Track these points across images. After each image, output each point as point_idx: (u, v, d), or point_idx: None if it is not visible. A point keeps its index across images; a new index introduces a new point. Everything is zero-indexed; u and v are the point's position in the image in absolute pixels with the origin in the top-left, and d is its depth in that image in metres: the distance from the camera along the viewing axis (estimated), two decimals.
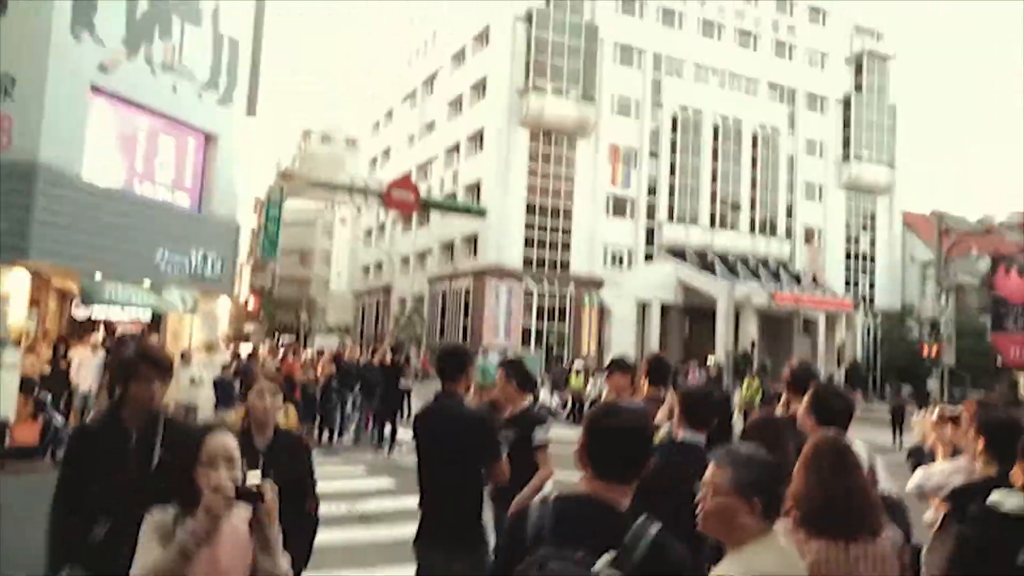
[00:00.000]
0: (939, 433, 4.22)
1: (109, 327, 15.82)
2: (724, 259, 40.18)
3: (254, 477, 2.25)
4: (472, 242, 40.31)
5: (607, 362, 5.83)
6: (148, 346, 3.23)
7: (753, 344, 35.05)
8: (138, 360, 3.07)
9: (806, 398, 4.10)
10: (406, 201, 29.23)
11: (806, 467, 2.61)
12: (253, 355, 17.78)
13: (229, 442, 2.34)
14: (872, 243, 47.74)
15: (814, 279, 41.95)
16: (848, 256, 47.07)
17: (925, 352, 26.89)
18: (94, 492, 2.90)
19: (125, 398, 3.07)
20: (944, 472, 3.84)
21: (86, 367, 12.55)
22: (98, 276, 12.55)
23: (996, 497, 2.70)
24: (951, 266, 35.14)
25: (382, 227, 53.01)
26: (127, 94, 13.37)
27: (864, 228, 47.82)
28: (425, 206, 32.66)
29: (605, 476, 2.07)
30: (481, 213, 35.23)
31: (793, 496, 2.59)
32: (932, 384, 26.01)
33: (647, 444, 2.14)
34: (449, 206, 38.35)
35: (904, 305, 44.66)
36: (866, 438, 5.42)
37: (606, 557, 1.84)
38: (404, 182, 31.09)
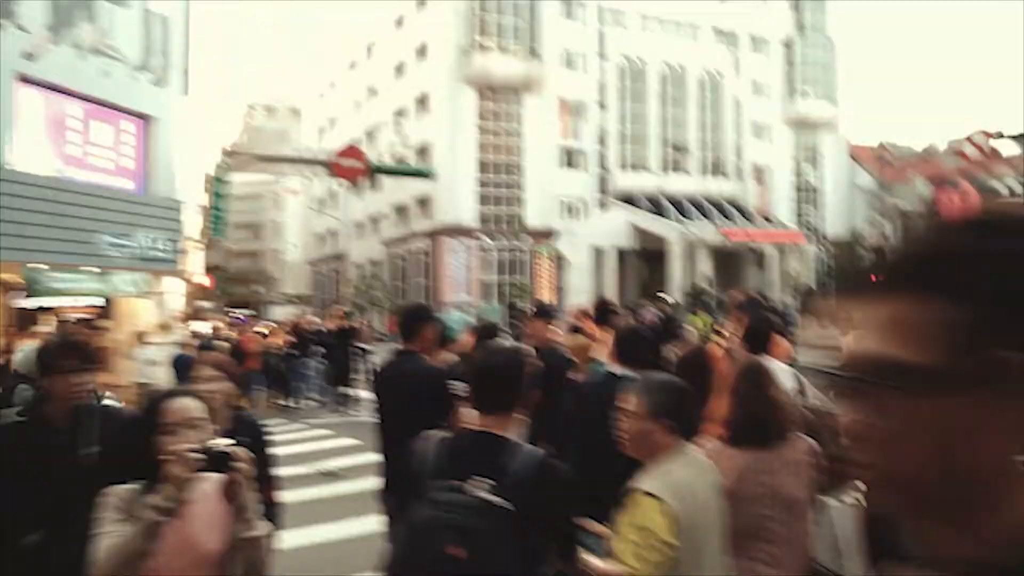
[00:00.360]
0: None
1: (60, 316, 15.61)
2: (676, 202, 40.74)
3: (222, 443, 2.08)
4: (426, 203, 40.18)
5: (563, 309, 6.09)
6: (71, 334, 2.97)
7: (710, 281, 35.83)
8: (58, 350, 2.78)
9: (740, 329, 4.39)
10: (355, 169, 28.85)
11: (731, 390, 2.88)
12: (216, 331, 17.76)
13: (191, 405, 2.18)
14: (820, 177, 48.70)
15: (765, 215, 42.77)
16: (798, 190, 48.02)
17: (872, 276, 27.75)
18: (17, 495, 2.59)
19: (48, 392, 2.76)
20: None
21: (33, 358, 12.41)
22: (41, 266, 12.40)
23: None
24: (894, 192, 36.16)
25: (333, 195, 52.44)
26: (56, 81, 13.03)
27: (811, 163, 48.71)
28: (374, 172, 32.32)
29: (488, 410, 2.26)
30: (430, 176, 35.01)
31: (721, 416, 2.85)
32: None
33: (519, 379, 2.30)
34: (398, 171, 38.02)
35: (854, 234, 45.92)
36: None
37: (488, 482, 2.04)
38: (351, 151, 30.61)
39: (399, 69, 44.12)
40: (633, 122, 42.42)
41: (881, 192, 37.04)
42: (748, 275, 38.82)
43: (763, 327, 4.00)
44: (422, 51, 41.31)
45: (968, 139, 27.58)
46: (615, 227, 38.34)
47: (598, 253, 37.69)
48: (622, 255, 38.36)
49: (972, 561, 0.62)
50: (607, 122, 41.86)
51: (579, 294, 31.01)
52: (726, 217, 40.82)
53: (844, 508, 3.11)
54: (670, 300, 24.27)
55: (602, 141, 41.76)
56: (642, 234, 38.16)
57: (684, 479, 2.33)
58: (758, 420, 2.75)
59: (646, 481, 2.28)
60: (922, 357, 0.61)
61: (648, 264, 39.06)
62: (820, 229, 46.79)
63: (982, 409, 0.60)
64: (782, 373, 3.61)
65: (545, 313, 5.60)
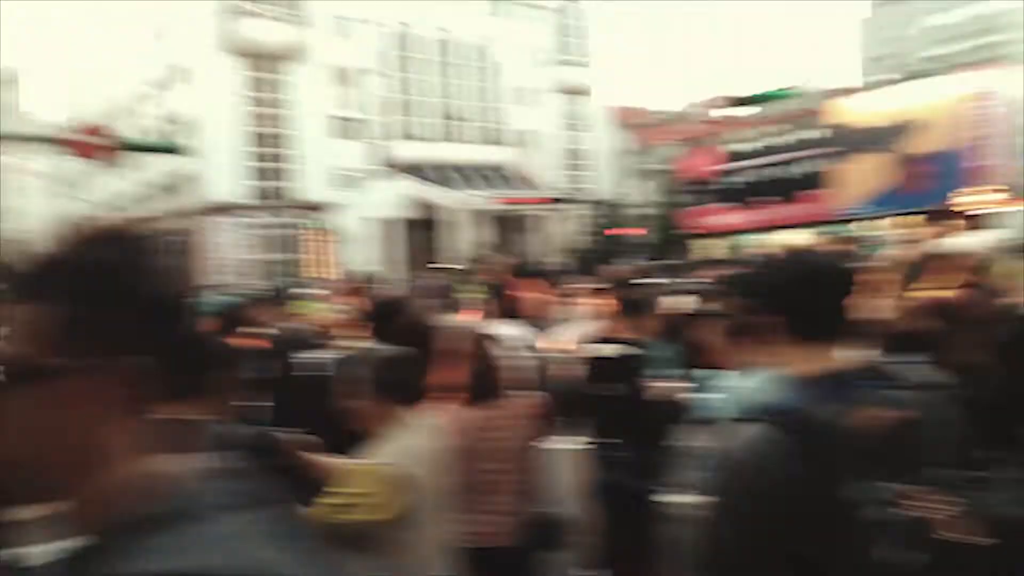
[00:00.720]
0: (591, 302, 4.98)
1: None
2: (454, 171, 41.40)
3: None
4: (190, 180, 37.48)
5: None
6: None
7: (491, 248, 36.85)
8: None
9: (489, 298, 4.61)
10: (100, 145, 26.02)
11: (461, 355, 3.04)
12: None
13: None
14: (587, 141, 51.56)
15: (535, 181, 44.67)
16: (567, 155, 50.54)
17: (612, 233, 29.91)
18: None
19: None
20: (590, 333, 4.56)
21: None
22: None
23: (600, 346, 3.35)
24: (651, 155, 39.19)
25: (80, 174, 47.35)
26: None
27: (578, 128, 51.42)
28: (123, 149, 29.46)
29: (182, 395, 2.22)
30: (187, 151, 32.46)
31: (454, 380, 2.99)
32: (626, 262, 29.04)
33: (213, 364, 2.27)
34: (152, 147, 34.85)
35: (618, 195, 49.38)
36: None
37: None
38: (92, 126, 27.51)
39: (155, 34, 40.40)
40: (408, 91, 42.31)
41: (639, 155, 39.96)
42: (526, 240, 40.46)
43: (504, 292, 4.24)
44: (177, 14, 38.13)
45: (708, 103, 30.38)
46: (395, 198, 38.21)
47: (379, 225, 37.46)
48: (403, 226, 38.41)
49: (92, 527, 0.73)
50: (382, 91, 41.35)
51: (361, 268, 30.69)
52: (503, 184, 42.15)
53: (565, 454, 3.43)
54: (453, 268, 24.74)
55: (378, 110, 41.24)
56: (422, 204, 38.40)
57: (409, 446, 2.44)
58: (483, 381, 2.94)
59: (372, 450, 2.37)
60: (34, 354, 0.73)
61: (430, 234, 39.49)
62: (589, 192, 49.73)
63: (77, 395, 0.73)
64: (515, 335, 3.86)
65: (267, 301, 5.64)
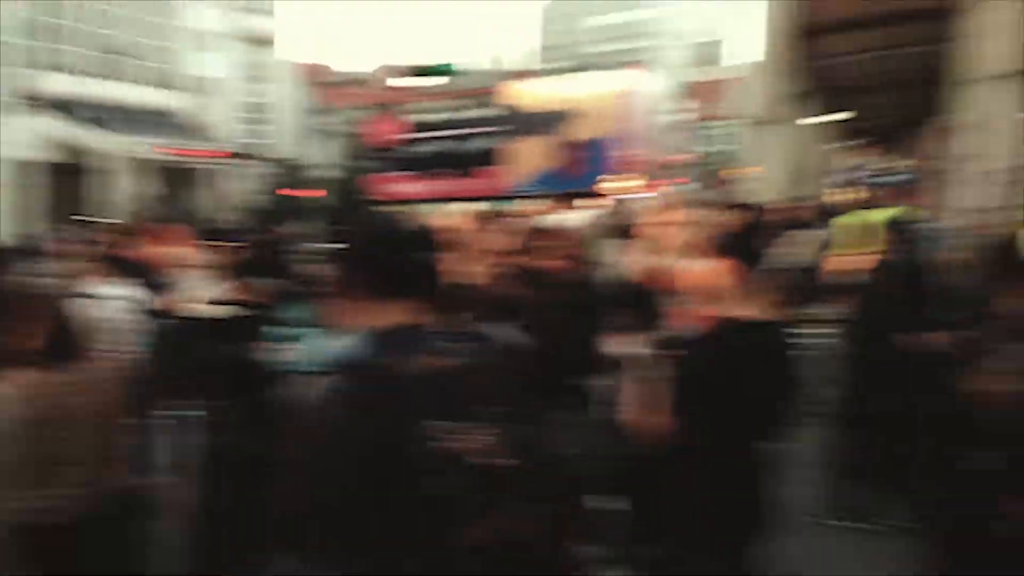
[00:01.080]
0: (221, 261, 4.79)
1: None
2: (115, 112, 37.13)
3: None
4: None
5: None
6: None
7: (163, 199, 33.91)
8: None
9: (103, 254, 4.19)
10: None
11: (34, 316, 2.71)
12: None
13: None
14: (269, 95, 49.34)
15: (209, 132, 41.81)
16: (247, 107, 48.01)
17: (290, 194, 29.34)
18: None
19: None
20: (209, 293, 4.40)
21: None
22: None
23: (211, 308, 3.24)
24: (334, 115, 38.58)
25: None
26: None
27: (260, 80, 48.97)
28: None
29: None
30: None
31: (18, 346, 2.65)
32: (304, 225, 28.71)
33: None
34: None
35: (298, 153, 48.09)
36: None
37: None
38: None
39: None
40: (59, 15, 36.81)
41: (323, 114, 39.14)
42: (192, 194, 37.73)
43: (110, 252, 3.92)
44: None
45: (388, 69, 30.66)
46: (38, 137, 33.30)
47: (14, 168, 32.46)
48: (46, 171, 33.68)
49: None
50: (16, 10, 35.45)
51: None
52: (172, 132, 38.77)
53: (166, 419, 3.28)
54: (102, 221, 22.23)
55: (17, 33, 35.38)
56: (71, 147, 33.94)
57: None
58: (61, 344, 2.67)
59: None
60: None
61: (79, 182, 35.08)
62: (268, 148, 47.73)
63: None
64: (124, 294, 3.59)
65: None
